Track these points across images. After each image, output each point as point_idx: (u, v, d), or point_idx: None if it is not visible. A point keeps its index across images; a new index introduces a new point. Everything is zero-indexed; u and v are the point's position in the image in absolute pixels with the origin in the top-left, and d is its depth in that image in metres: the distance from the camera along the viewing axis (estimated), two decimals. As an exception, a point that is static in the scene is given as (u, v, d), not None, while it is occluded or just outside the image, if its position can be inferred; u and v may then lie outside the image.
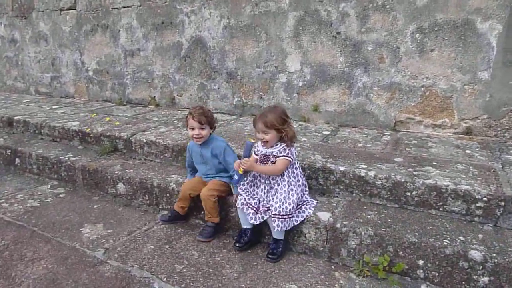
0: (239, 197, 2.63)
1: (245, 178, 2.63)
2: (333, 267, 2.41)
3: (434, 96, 3.65)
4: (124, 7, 5.27)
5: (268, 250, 2.52)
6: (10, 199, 3.47)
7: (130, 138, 3.80)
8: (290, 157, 2.51)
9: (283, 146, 2.51)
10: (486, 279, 2.08)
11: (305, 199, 2.63)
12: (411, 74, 3.70)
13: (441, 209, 2.51)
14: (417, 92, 3.71)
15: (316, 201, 2.69)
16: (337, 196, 2.82)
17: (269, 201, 2.53)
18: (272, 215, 2.46)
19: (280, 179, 2.55)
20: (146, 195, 3.22)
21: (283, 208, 2.44)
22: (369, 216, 2.51)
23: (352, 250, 2.40)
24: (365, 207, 2.64)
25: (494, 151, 3.18)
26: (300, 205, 2.57)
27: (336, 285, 2.23)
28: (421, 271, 2.23)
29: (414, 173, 2.68)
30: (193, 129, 2.77)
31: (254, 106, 4.57)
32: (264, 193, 2.59)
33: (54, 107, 5.51)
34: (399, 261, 2.26)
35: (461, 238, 2.24)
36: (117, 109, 5.25)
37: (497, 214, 2.38)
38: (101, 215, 3.13)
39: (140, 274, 2.33)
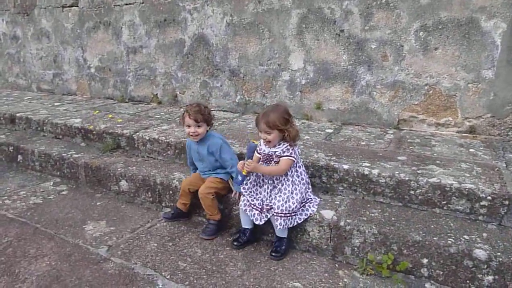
0: (241, 198, 2.62)
1: (248, 178, 2.63)
2: (336, 265, 2.41)
3: (438, 94, 3.64)
4: (126, 4, 5.26)
5: (271, 248, 2.52)
6: (13, 196, 3.47)
7: (133, 135, 3.79)
8: (293, 157, 2.50)
9: (286, 146, 2.50)
10: (490, 278, 2.08)
11: (308, 197, 2.62)
12: (415, 72, 3.69)
13: (445, 207, 2.51)
14: (420, 90, 3.70)
15: (319, 199, 2.68)
16: (340, 194, 2.81)
17: (272, 199, 2.53)
18: (275, 214, 2.46)
19: (283, 179, 2.54)
20: (149, 193, 3.21)
21: (286, 207, 2.43)
22: (373, 215, 2.51)
23: (356, 248, 2.39)
24: (368, 206, 2.64)
25: (498, 150, 3.17)
26: (304, 203, 2.56)
27: (340, 283, 2.22)
28: (425, 269, 2.22)
29: (418, 171, 2.67)
30: (189, 126, 2.77)
31: (257, 104, 4.56)
32: (267, 193, 2.58)
33: (56, 104, 5.51)
34: (403, 260, 2.26)
35: (466, 236, 2.23)
36: (119, 106, 5.25)
37: (501, 213, 2.37)
38: (104, 212, 3.13)
39: (143, 271, 2.33)
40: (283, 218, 2.44)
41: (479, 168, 2.75)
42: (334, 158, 2.95)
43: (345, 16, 3.87)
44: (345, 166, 2.79)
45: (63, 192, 3.55)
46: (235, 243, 2.60)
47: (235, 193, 2.81)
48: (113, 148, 3.88)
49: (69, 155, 3.77)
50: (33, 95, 6.42)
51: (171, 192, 3.10)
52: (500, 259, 2.06)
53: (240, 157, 2.94)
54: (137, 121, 4.30)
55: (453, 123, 3.64)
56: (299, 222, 2.50)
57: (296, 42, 4.18)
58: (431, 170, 2.69)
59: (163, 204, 3.16)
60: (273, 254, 2.47)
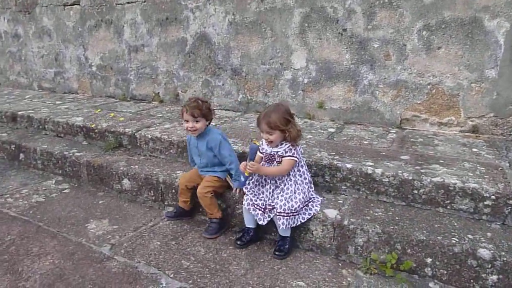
0: (245, 197, 2.62)
1: (251, 178, 2.62)
2: (340, 264, 2.41)
3: (441, 94, 3.64)
4: (128, 2, 5.25)
5: (275, 247, 2.52)
6: (15, 194, 3.46)
7: (135, 134, 3.79)
8: (296, 157, 2.49)
9: (289, 146, 2.49)
10: (494, 277, 2.08)
11: (311, 196, 2.62)
12: (418, 71, 3.68)
13: (448, 207, 2.51)
14: (423, 90, 3.70)
15: (321, 198, 2.68)
16: (343, 194, 2.81)
17: (274, 199, 2.52)
18: (277, 213, 2.45)
19: (286, 179, 2.53)
20: (152, 191, 3.21)
21: (288, 206, 2.43)
22: (376, 214, 2.50)
23: (359, 248, 2.39)
24: (372, 205, 2.64)
25: (501, 149, 3.17)
26: (307, 203, 2.56)
27: (344, 283, 2.22)
28: (429, 269, 2.22)
29: (421, 171, 2.67)
30: (187, 121, 2.75)
31: (259, 103, 4.56)
32: (270, 193, 2.57)
33: (57, 102, 5.50)
34: (407, 259, 2.26)
35: (470, 236, 2.23)
36: (120, 105, 5.24)
37: (505, 212, 2.37)
38: (107, 211, 3.13)
39: (147, 270, 2.32)
40: (285, 217, 2.43)
41: (483, 168, 2.74)
42: (337, 157, 2.95)
43: (348, 15, 3.86)
44: (348, 165, 2.78)
45: (65, 191, 3.55)
46: (238, 242, 2.59)
47: (235, 190, 2.80)
48: (115, 146, 3.88)
49: (71, 154, 3.77)
50: (34, 93, 6.42)
51: (173, 190, 3.09)
52: (505, 259, 2.05)
53: (243, 156, 2.94)
54: (139, 119, 4.30)
55: (455, 122, 3.63)
56: (303, 221, 2.50)
57: (299, 41, 4.17)
58: (434, 170, 2.69)
59: (165, 203, 3.16)
60: (277, 253, 2.47)
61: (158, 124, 4.05)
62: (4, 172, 4.05)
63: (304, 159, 2.71)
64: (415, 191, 2.58)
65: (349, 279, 2.26)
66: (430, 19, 3.54)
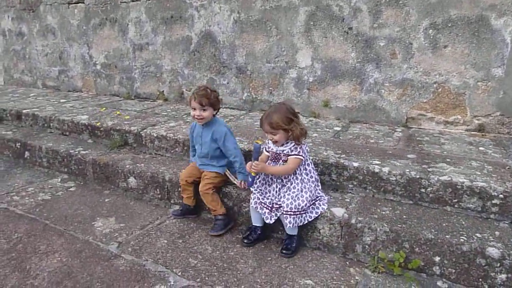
0: (252, 196, 2.61)
1: (258, 177, 2.62)
2: (347, 263, 2.41)
3: (447, 92, 3.63)
4: (132, 0, 5.25)
5: (282, 245, 2.52)
6: (21, 192, 3.47)
7: (140, 132, 3.79)
8: (301, 155, 2.48)
9: (294, 145, 2.49)
10: (503, 276, 2.07)
11: (318, 194, 2.61)
12: (424, 70, 3.68)
13: (456, 206, 2.50)
14: (429, 88, 3.69)
15: (328, 197, 2.68)
16: (350, 192, 2.81)
17: (281, 198, 2.52)
18: (284, 212, 2.45)
19: (292, 177, 2.53)
20: (158, 189, 3.21)
21: (295, 205, 2.43)
22: (383, 212, 2.50)
23: (367, 246, 2.39)
24: (379, 203, 2.63)
25: (508, 148, 3.16)
26: (314, 201, 2.55)
27: (352, 281, 2.22)
28: (437, 267, 2.22)
29: (429, 169, 2.67)
30: (194, 109, 2.74)
31: (264, 102, 4.55)
32: (276, 192, 2.57)
33: (62, 100, 5.51)
34: (415, 258, 2.25)
35: (478, 235, 2.23)
36: (125, 103, 5.24)
37: (514, 211, 2.37)
38: (113, 209, 3.13)
39: (155, 268, 2.33)
40: (292, 216, 2.43)
41: (490, 167, 2.74)
42: (343, 155, 2.94)
43: (353, 13, 3.85)
44: (355, 164, 2.78)
45: (71, 189, 3.56)
46: (245, 241, 2.59)
47: (240, 182, 2.80)
48: (121, 145, 3.88)
49: (77, 152, 3.77)
50: (39, 91, 6.42)
51: (179, 189, 3.08)
52: (514, 258, 2.05)
53: (249, 154, 2.93)
54: (144, 118, 4.30)
55: (462, 121, 3.63)
56: (310, 220, 2.50)
57: (304, 40, 4.17)
58: (441, 168, 2.68)
59: (171, 201, 3.16)
60: (284, 251, 2.47)
61: (163, 123, 4.05)
62: (10, 170, 4.05)
63: (311, 158, 2.70)
64: (423, 190, 2.58)
65: (357, 277, 2.26)
66: (437, 17, 3.53)
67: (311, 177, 2.57)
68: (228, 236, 2.70)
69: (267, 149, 2.63)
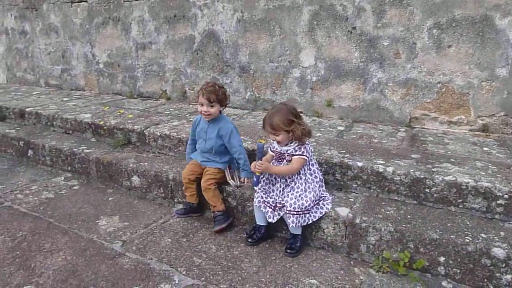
0: (256, 195, 2.61)
1: (262, 177, 2.62)
2: (352, 262, 2.40)
3: (451, 92, 3.62)
4: (136, -1, 5.26)
5: (286, 245, 2.52)
6: (25, 190, 3.47)
7: (144, 131, 3.79)
8: (305, 155, 2.48)
9: (298, 145, 2.49)
10: (509, 276, 2.07)
11: (321, 194, 2.61)
12: (428, 70, 3.67)
13: (460, 206, 2.50)
14: (433, 88, 3.69)
15: (332, 196, 2.67)
16: (354, 192, 2.81)
17: (285, 197, 2.52)
18: (287, 212, 2.45)
19: (296, 177, 2.53)
20: (161, 188, 3.21)
21: (298, 205, 2.43)
22: (388, 212, 2.50)
23: (371, 246, 2.38)
24: (383, 203, 2.63)
25: (512, 148, 3.16)
26: (318, 201, 2.55)
27: (356, 281, 2.22)
28: (442, 267, 2.22)
29: (433, 169, 2.66)
30: (202, 105, 2.76)
31: (267, 101, 4.55)
32: (280, 191, 2.57)
33: (65, 99, 5.51)
34: (420, 258, 2.25)
35: (483, 235, 2.22)
36: (128, 102, 5.25)
37: (518, 211, 2.36)
38: (117, 208, 3.13)
39: (159, 267, 2.33)
40: (295, 216, 2.43)
41: (494, 167, 2.73)
42: (347, 155, 2.94)
43: (357, 13, 3.85)
44: (359, 164, 2.78)
45: (74, 187, 3.56)
46: (249, 240, 2.59)
47: (243, 179, 2.83)
48: (124, 143, 3.88)
49: (80, 150, 3.78)
50: (41, 90, 6.43)
51: (183, 188, 3.08)
52: (519, 258, 2.05)
53: (252, 153, 2.94)
54: (147, 117, 4.30)
55: (465, 121, 3.62)
56: (314, 220, 2.49)
57: (307, 39, 4.17)
58: (446, 168, 2.68)
59: (175, 200, 3.16)
60: (288, 251, 2.47)
61: (166, 122, 4.05)
62: (13, 168, 4.06)
63: (315, 158, 2.70)
64: (427, 190, 2.58)
65: (361, 277, 2.26)
66: (441, 17, 3.53)
67: (315, 177, 2.57)
68: (232, 235, 2.70)
69: (272, 149, 2.64)
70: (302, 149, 2.48)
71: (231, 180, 2.86)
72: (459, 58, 3.53)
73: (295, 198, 2.45)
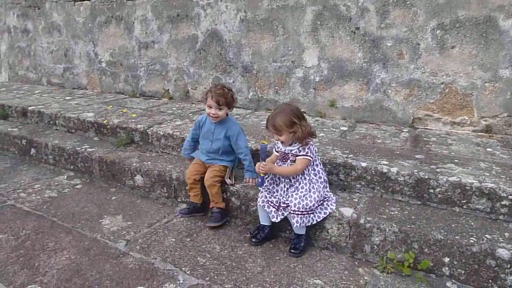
0: (259, 195, 2.62)
1: (267, 177, 2.62)
2: (356, 263, 2.41)
3: (454, 93, 3.62)
4: (139, -2, 5.26)
5: (290, 245, 2.52)
6: (28, 189, 3.47)
7: (147, 130, 3.79)
8: (309, 156, 2.49)
9: (302, 145, 2.49)
10: (513, 278, 2.07)
11: (326, 195, 2.61)
12: (431, 70, 3.67)
13: (464, 206, 2.50)
14: (436, 89, 3.68)
15: (336, 196, 2.67)
16: (358, 192, 2.81)
17: (289, 197, 2.52)
18: (292, 212, 2.45)
19: (300, 177, 2.53)
20: (165, 188, 3.21)
21: (302, 205, 2.43)
22: (392, 213, 2.50)
23: (375, 246, 2.38)
24: (387, 204, 2.63)
25: (516, 149, 3.16)
26: (322, 201, 2.55)
27: (361, 281, 2.22)
28: (447, 268, 2.22)
29: (437, 170, 2.66)
30: (210, 107, 2.77)
31: (270, 101, 4.55)
32: (284, 191, 2.57)
33: (67, 98, 5.51)
34: (424, 258, 2.25)
35: (487, 236, 2.22)
36: (130, 101, 5.25)
37: (523, 213, 2.36)
38: (120, 207, 3.13)
39: (163, 267, 2.33)
40: (299, 216, 2.43)
41: (498, 168, 2.73)
42: (351, 155, 2.94)
43: (361, 13, 3.85)
44: (364, 164, 2.78)
45: (77, 186, 3.56)
46: (253, 240, 2.59)
47: (248, 179, 2.85)
48: (127, 143, 3.88)
49: (83, 149, 3.78)
50: (43, 88, 6.43)
51: (186, 187, 3.08)
52: (524, 259, 2.05)
53: (256, 153, 2.94)
54: (149, 116, 4.30)
55: (469, 122, 3.62)
56: (318, 220, 2.49)
57: (311, 39, 4.16)
58: (450, 169, 2.68)
59: (178, 200, 3.16)
60: (292, 251, 2.47)
61: (169, 121, 4.05)
62: (16, 167, 4.06)
63: (319, 158, 2.70)
64: (431, 190, 2.58)
65: (366, 277, 2.26)
66: (444, 18, 3.53)
67: (320, 177, 2.57)
68: (236, 235, 2.70)
69: (277, 149, 2.64)
70: (306, 150, 2.49)
71: (228, 179, 2.88)
72: (462, 59, 3.53)
73: (300, 198, 2.46)
